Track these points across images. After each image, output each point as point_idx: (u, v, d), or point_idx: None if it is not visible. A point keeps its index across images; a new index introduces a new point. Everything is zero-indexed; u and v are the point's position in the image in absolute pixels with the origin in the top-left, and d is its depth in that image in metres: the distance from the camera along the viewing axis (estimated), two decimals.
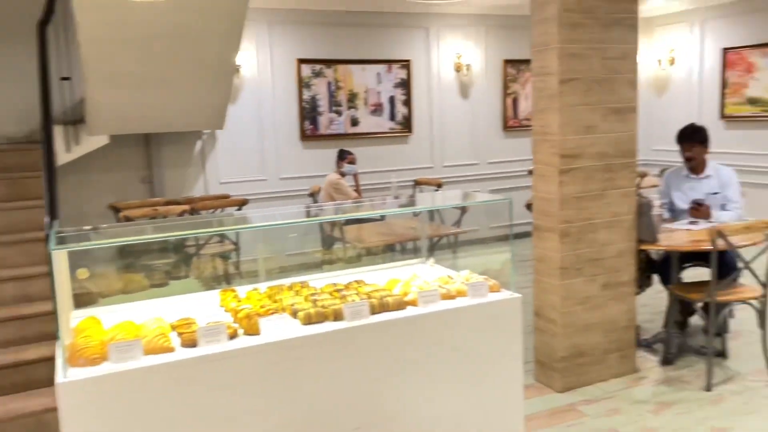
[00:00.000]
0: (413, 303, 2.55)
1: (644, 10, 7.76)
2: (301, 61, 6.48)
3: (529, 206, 3.78)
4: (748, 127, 7.01)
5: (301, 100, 6.51)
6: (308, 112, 6.56)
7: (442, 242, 5.60)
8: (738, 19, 7.01)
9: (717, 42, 7.26)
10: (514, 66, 7.40)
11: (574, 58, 3.38)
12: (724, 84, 7.19)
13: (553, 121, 3.42)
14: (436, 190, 6.31)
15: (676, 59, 7.76)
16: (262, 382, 2.22)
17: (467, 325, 2.55)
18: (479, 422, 2.60)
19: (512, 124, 7.51)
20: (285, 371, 2.25)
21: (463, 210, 5.52)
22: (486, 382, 2.59)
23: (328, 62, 6.59)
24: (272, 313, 2.37)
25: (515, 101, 7.50)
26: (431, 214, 5.13)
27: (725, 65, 7.16)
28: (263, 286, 2.81)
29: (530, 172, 3.80)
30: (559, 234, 3.45)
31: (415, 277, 2.80)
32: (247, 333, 2.29)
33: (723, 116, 7.23)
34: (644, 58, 8.07)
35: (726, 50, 7.13)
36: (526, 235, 3.76)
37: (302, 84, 6.50)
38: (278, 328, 2.31)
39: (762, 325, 3.56)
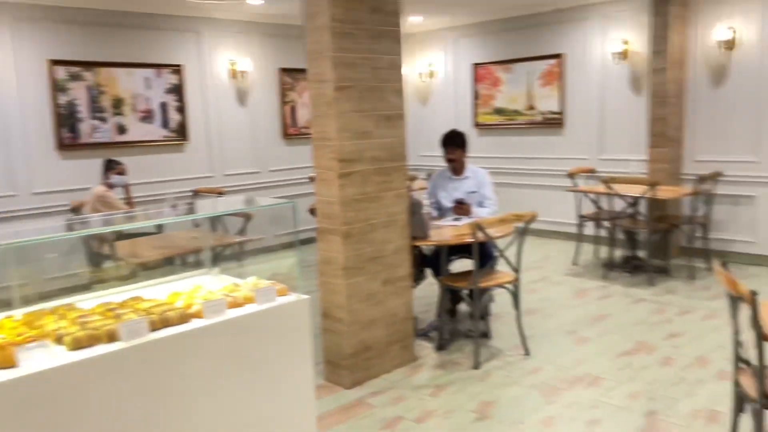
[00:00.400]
0: (198, 315, 2.44)
1: (407, 26, 8.41)
2: (54, 62, 5.82)
3: (312, 211, 3.85)
4: (497, 134, 7.98)
5: (56, 105, 5.84)
6: (65, 119, 5.91)
7: (227, 252, 5.43)
8: (485, 39, 7.95)
9: (468, 58, 8.14)
10: (291, 75, 7.50)
11: (347, 67, 3.53)
12: (476, 96, 8.09)
13: (330, 127, 3.53)
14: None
15: (435, 72, 8.54)
16: (24, 419, 1.94)
17: (257, 332, 2.51)
18: (272, 428, 2.57)
19: (292, 132, 7.60)
20: (53, 404, 1.99)
21: (248, 217, 5.43)
22: (278, 386, 2.58)
23: (88, 64, 6.01)
24: (31, 341, 2.09)
25: (293, 109, 7.60)
26: (214, 223, 4.96)
27: (475, 79, 8.07)
28: (19, 313, 2.47)
29: (312, 179, 3.88)
30: (341, 235, 3.57)
31: (199, 288, 2.68)
32: (1, 367, 1.99)
33: (476, 124, 8.13)
34: (409, 71, 8.75)
35: (476, 65, 8.04)
36: (311, 240, 3.82)
37: (56, 88, 5.84)
38: (40, 358, 2.04)
39: (516, 306, 4.07)
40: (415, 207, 4.03)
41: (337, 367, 3.71)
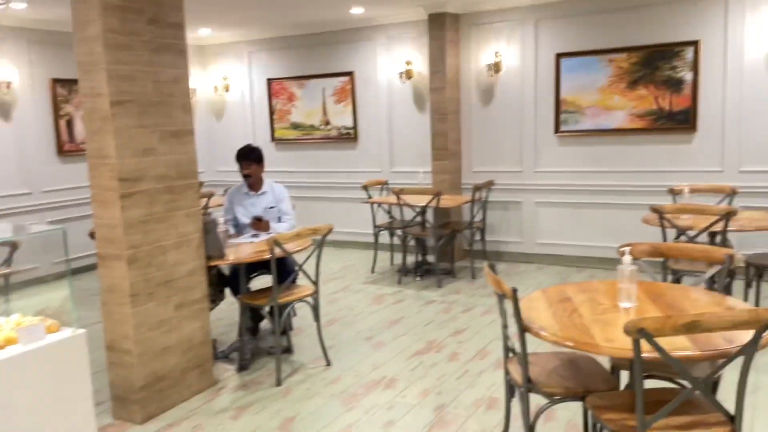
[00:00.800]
0: None
1: (198, 38, 8.15)
2: None
3: (93, 235, 3.54)
4: (295, 149, 8.06)
5: None
6: None
7: None
8: (280, 54, 7.99)
9: (263, 73, 8.13)
10: (66, 86, 6.83)
11: (124, 80, 3.32)
12: (272, 111, 8.10)
13: (108, 144, 3.29)
14: None
15: (230, 86, 8.38)
16: None
17: (23, 375, 2.24)
18: None
19: (69, 148, 6.91)
20: None
21: (14, 246, 4.81)
22: None
23: None
24: None
25: (70, 123, 6.92)
26: None
27: (271, 94, 8.08)
28: None
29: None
30: (126, 260, 3.33)
31: None
32: None
33: (273, 139, 8.14)
34: (202, 84, 8.48)
35: (270, 80, 8.05)
36: (95, 267, 3.51)
37: None
38: None
39: (316, 318, 4.14)
40: (208, 226, 3.90)
41: (127, 402, 3.45)
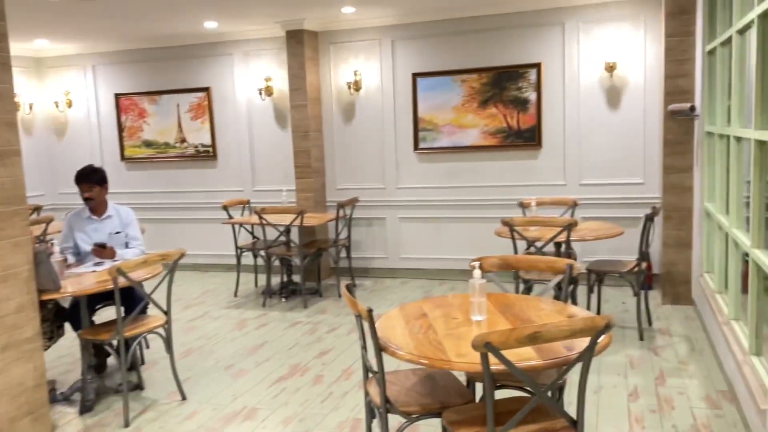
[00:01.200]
0: None
1: (34, 49, 7.47)
2: None
3: None
4: (148, 168, 7.60)
5: None
6: None
7: None
8: (128, 68, 7.52)
9: (110, 87, 7.60)
10: None
11: None
12: (121, 128, 7.59)
13: None
14: None
15: (73, 102, 7.74)
16: None
17: None
18: None
19: None
20: None
21: None
22: None
23: None
24: None
25: None
26: None
27: (119, 110, 7.57)
28: None
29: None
30: None
31: None
32: None
33: (124, 158, 7.62)
34: (40, 99, 7.76)
35: (118, 96, 7.54)
36: None
37: None
38: None
39: (168, 350, 3.86)
40: (40, 256, 3.51)
41: None
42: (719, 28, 4.33)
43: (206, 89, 7.20)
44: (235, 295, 6.34)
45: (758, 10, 3.00)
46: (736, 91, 3.72)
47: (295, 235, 6.07)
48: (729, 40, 3.93)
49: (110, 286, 3.54)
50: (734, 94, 3.75)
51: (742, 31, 3.58)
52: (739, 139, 3.70)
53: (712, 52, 4.61)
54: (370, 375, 2.73)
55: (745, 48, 3.60)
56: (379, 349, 2.44)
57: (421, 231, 6.72)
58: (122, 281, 3.55)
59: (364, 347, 2.68)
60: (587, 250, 6.01)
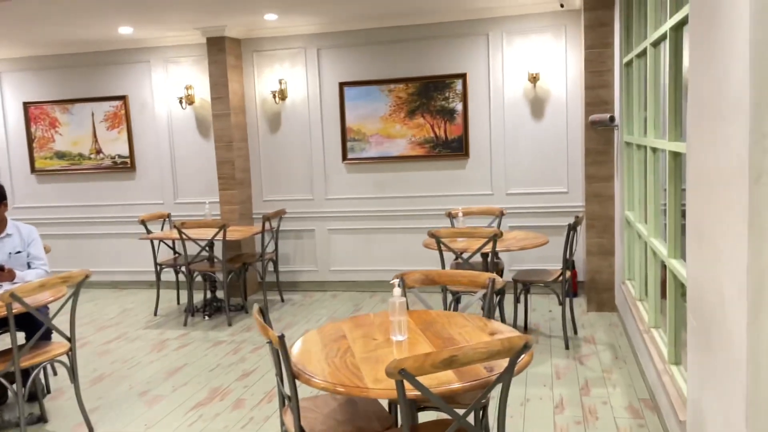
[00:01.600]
0: None
1: None
2: None
3: None
4: (61, 180, 7.15)
5: None
6: None
7: None
8: (37, 74, 7.07)
9: (18, 95, 7.13)
10: None
11: None
12: (31, 138, 7.12)
13: None
14: None
15: None
16: None
17: None
18: None
19: None
20: None
21: None
22: None
23: None
24: None
25: None
26: None
27: (29, 119, 7.10)
28: None
29: None
30: None
31: None
32: None
33: (34, 170, 7.16)
34: None
35: (27, 104, 7.08)
36: None
37: None
38: None
39: (73, 378, 3.58)
40: None
41: None
42: (635, 41, 4.43)
43: (123, 98, 6.85)
44: (155, 314, 6.02)
45: (671, 22, 3.04)
46: (651, 102, 3.79)
47: (219, 250, 5.83)
48: (644, 52, 4.01)
49: (3, 312, 3.24)
50: (650, 105, 3.82)
51: (656, 44, 3.65)
52: (654, 149, 3.77)
53: (629, 64, 4.72)
54: (287, 403, 2.58)
55: (659, 60, 3.67)
56: (293, 376, 2.29)
57: (350, 242, 6.60)
58: (18, 307, 3.25)
59: (279, 374, 2.52)
60: (515, 259, 6.04)
